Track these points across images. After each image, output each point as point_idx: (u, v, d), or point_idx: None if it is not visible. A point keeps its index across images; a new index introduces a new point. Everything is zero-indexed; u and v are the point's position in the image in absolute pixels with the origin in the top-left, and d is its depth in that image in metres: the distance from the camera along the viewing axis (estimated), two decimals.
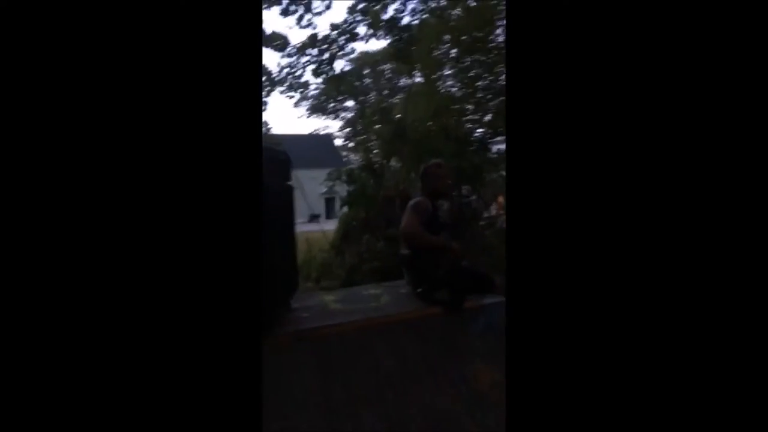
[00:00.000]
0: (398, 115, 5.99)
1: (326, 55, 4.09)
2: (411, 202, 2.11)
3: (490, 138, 6.66)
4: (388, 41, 4.63)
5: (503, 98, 6.34)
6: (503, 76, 5.98)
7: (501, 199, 8.01)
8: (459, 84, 6.03)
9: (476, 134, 6.53)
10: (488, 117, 6.27)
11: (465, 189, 6.23)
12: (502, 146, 7.43)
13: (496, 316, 2.02)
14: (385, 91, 7.99)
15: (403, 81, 7.62)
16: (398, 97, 7.43)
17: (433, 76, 6.08)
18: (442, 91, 6.05)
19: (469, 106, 6.16)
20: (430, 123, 5.55)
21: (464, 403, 1.69)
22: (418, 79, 6.58)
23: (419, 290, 2.11)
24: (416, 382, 1.65)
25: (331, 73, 4.17)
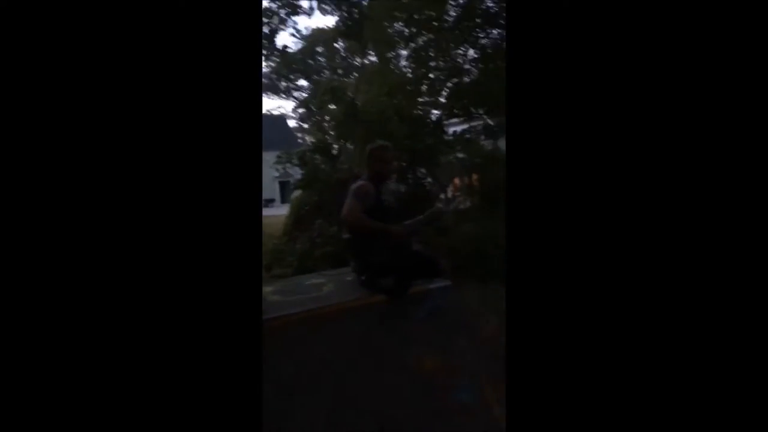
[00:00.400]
0: (351, 96, 5.82)
1: (266, 30, 3.83)
2: (353, 187, 2.02)
3: (445, 119, 6.66)
4: (337, 17, 4.43)
5: (457, 79, 6.33)
6: (458, 57, 5.94)
7: (457, 180, 8.09)
8: (413, 64, 5.93)
9: (431, 115, 6.50)
10: (443, 98, 6.24)
11: (420, 171, 6.21)
12: (458, 128, 7.47)
13: (441, 300, 1.99)
14: (339, 70, 7.75)
15: (358, 60, 7.41)
16: (353, 75, 7.23)
17: (388, 55, 5.94)
18: (396, 71, 5.93)
19: (424, 87, 6.09)
20: (384, 102, 5.44)
21: (406, 389, 1.66)
22: (372, 59, 6.42)
23: (363, 278, 2.04)
24: (354, 374, 1.60)
25: (272, 49, 3.93)
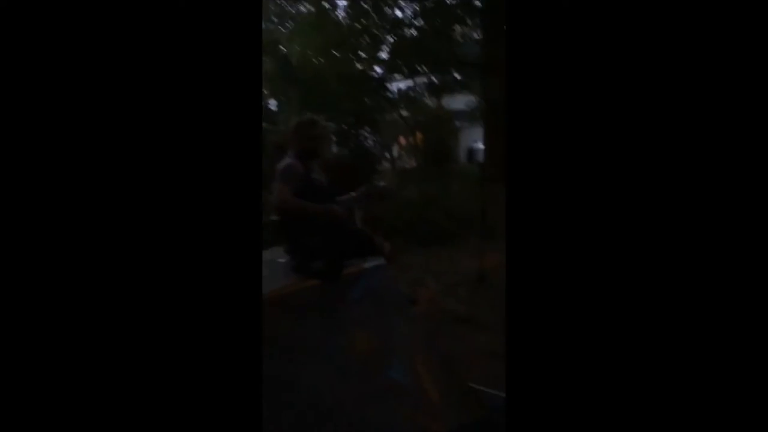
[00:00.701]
0: (284, 50, 5.38)
1: None
2: (278, 167, 1.87)
3: (387, 76, 6.42)
4: None
5: (400, 34, 6.05)
6: (399, 12, 5.65)
7: (402, 140, 8.03)
8: (351, 17, 5.55)
9: (373, 72, 6.23)
10: (384, 54, 5.98)
11: (362, 133, 6.03)
12: (401, 84, 7.27)
13: (375, 279, 1.97)
14: (274, 18, 7.11)
15: (293, 8, 6.82)
16: (289, 23, 6.68)
17: (324, 4, 5.51)
18: (334, 23, 5.53)
19: (363, 42, 5.77)
20: (321, 58, 5.09)
21: (339, 374, 1.66)
22: (310, 6, 5.93)
23: (294, 262, 1.96)
24: (287, 365, 1.56)
25: None
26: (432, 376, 1.73)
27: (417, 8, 5.28)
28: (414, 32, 5.46)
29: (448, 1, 4.97)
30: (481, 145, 7.08)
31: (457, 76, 6.60)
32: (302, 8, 6.45)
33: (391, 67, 5.93)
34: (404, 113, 7.36)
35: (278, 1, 7.82)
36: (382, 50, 5.85)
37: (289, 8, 7.02)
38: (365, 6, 5.29)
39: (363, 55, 5.78)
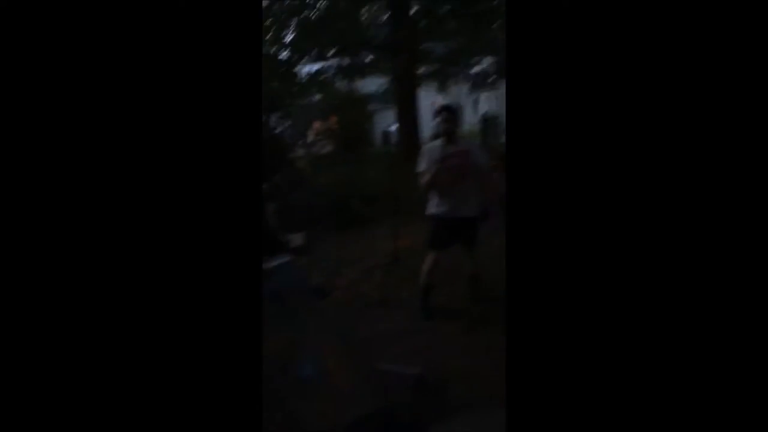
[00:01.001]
0: None
1: None
2: None
3: (295, 60, 6.19)
4: None
5: (307, 14, 5.83)
6: None
7: (317, 124, 7.86)
8: None
9: (281, 56, 5.97)
10: (290, 36, 5.73)
11: (273, 118, 5.78)
12: (312, 67, 7.07)
13: (280, 278, 1.94)
14: None
15: None
16: None
17: None
18: None
19: (267, 23, 5.48)
20: None
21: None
22: None
23: None
24: None
25: None
26: (342, 366, 1.77)
27: None
28: (319, 14, 5.30)
29: None
30: (395, 128, 7.18)
31: (368, 58, 6.58)
32: None
33: (298, 50, 5.72)
34: (317, 97, 7.19)
35: None
36: (287, 33, 5.61)
37: None
38: None
39: (267, 37, 5.49)
